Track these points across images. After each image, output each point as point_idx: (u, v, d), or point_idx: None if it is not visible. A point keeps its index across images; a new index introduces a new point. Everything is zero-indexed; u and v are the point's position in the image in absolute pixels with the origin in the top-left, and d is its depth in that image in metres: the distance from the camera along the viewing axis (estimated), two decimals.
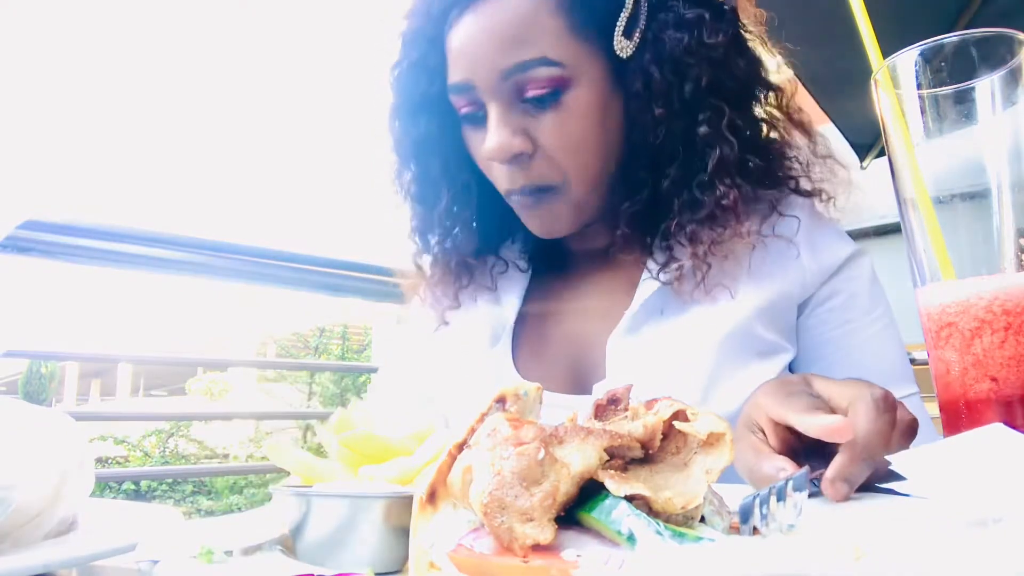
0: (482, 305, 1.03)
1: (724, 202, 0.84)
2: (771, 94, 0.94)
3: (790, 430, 0.61)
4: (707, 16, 0.84)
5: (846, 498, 0.55)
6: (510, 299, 1.01)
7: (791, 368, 0.90)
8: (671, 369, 0.86)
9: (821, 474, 0.56)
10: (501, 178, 0.88)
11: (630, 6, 0.84)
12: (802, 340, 0.91)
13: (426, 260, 1.05)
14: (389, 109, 0.98)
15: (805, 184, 0.95)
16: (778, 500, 0.45)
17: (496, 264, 1.04)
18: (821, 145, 0.96)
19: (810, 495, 0.50)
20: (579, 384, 0.93)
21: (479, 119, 0.87)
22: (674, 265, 0.87)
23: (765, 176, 0.91)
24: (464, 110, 0.88)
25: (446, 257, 1.02)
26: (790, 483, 0.46)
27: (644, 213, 0.90)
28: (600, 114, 0.85)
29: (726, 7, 0.87)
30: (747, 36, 0.92)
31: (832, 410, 0.59)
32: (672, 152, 0.86)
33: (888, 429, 0.55)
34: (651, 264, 0.90)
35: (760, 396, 0.66)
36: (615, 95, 0.86)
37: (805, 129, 0.95)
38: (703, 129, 0.85)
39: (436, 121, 0.93)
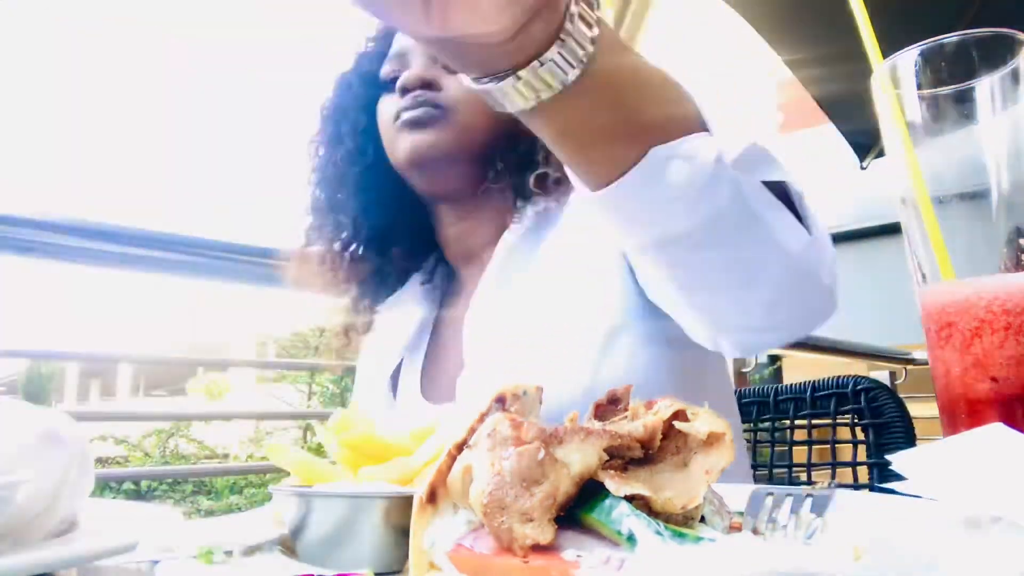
0: (387, 323, 1.09)
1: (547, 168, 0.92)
2: None
3: None
4: None
5: None
6: (404, 321, 1.07)
7: None
8: (516, 338, 0.89)
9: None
10: (398, 104, 0.96)
11: None
12: None
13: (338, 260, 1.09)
14: (324, 100, 1.09)
15: None
16: (791, 512, 0.45)
17: (397, 295, 1.10)
18: None
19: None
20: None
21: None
22: (529, 212, 0.94)
23: None
24: (393, 74, 0.99)
25: (359, 259, 1.08)
26: (809, 500, 0.46)
27: (514, 171, 0.96)
28: None
29: None
30: None
31: None
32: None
33: None
34: (513, 223, 0.96)
35: None
36: None
37: None
38: None
39: (361, 95, 1.05)
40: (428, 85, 0.95)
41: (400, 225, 1.07)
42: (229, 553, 0.44)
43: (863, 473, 1.96)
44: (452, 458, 0.41)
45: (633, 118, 0.54)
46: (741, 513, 0.49)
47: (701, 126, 0.58)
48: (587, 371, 0.84)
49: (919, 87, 0.52)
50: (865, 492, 0.57)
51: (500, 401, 0.44)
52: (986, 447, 0.42)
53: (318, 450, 0.62)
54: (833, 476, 1.48)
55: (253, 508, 0.61)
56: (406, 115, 0.95)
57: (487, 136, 0.95)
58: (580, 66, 0.48)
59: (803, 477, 1.53)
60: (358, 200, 1.05)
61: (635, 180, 0.54)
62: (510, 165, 0.96)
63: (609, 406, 0.49)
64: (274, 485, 0.51)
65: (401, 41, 1.01)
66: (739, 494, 0.50)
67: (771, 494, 0.47)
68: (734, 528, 0.46)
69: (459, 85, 0.91)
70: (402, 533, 0.42)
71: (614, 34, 0.53)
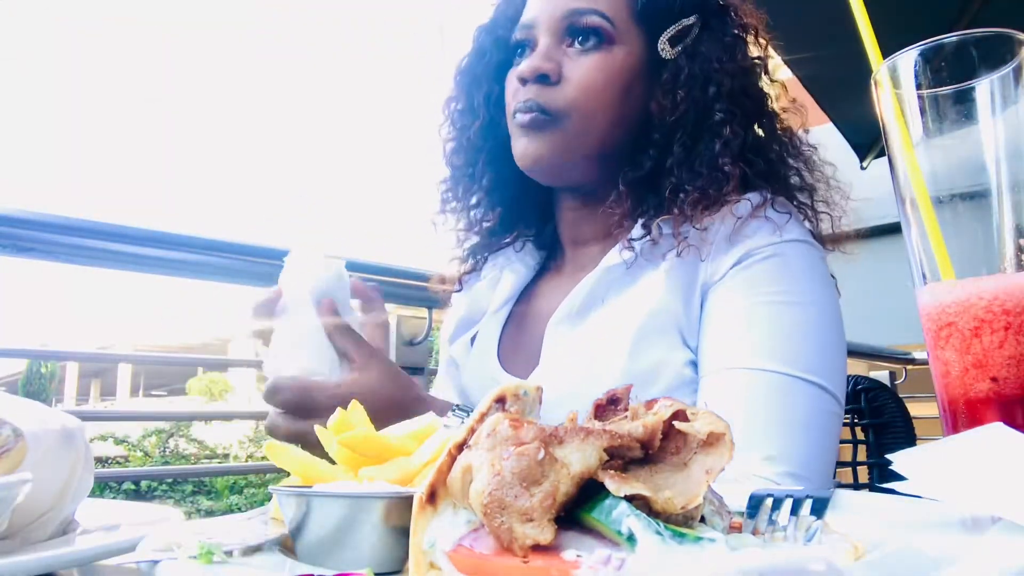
0: (480, 287, 1.11)
1: (721, 176, 0.91)
2: (774, 119, 1.02)
3: None
4: (742, 41, 0.99)
5: None
6: (508, 282, 1.08)
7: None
8: (594, 354, 0.90)
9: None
10: (517, 95, 0.95)
11: (686, 22, 0.96)
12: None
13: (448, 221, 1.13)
14: (458, 66, 1.10)
15: (797, 193, 1.01)
16: (791, 514, 0.45)
17: (508, 248, 1.12)
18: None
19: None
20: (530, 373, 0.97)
21: (523, 53, 0.99)
22: (644, 239, 0.93)
23: (761, 176, 0.97)
24: (518, 38, 0.99)
25: (470, 220, 1.12)
26: (809, 501, 0.46)
27: (641, 185, 0.96)
28: (627, 81, 0.95)
29: (758, 38, 1.01)
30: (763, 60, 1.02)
31: None
32: (685, 133, 0.94)
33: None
34: (630, 236, 0.95)
35: None
36: (643, 79, 0.96)
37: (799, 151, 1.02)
38: (718, 116, 0.94)
39: (493, 63, 1.05)
40: (545, 78, 0.93)
41: (526, 197, 1.09)
42: (229, 553, 0.44)
43: (863, 473, 1.96)
44: (452, 458, 0.41)
45: None
46: (741, 513, 0.49)
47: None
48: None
49: (919, 87, 0.52)
50: (865, 492, 0.57)
51: (500, 401, 0.44)
52: (986, 447, 0.42)
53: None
54: (833, 476, 1.48)
55: (253, 508, 0.61)
56: (518, 117, 0.94)
57: (604, 138, 0.95)
58: None
59: None
60: (491, 174, 1.08)
61: None
62: (637, 175, 0.96)
63: (609, 406, 0.49)
64: (274, 485, 0.51)
65: (532, 9, 0.99)
66: (739, 494, 0.50)
67: (771, 495, 0.47)
68: (734, 528, 0.46)
69: (581, 76, 0.93)
70: (402, 533, 0.42)
71: None
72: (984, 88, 0.50)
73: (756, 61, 1.00)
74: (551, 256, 1.12)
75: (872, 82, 0.54)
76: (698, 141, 0.94)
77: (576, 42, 0.95)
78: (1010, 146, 0.50)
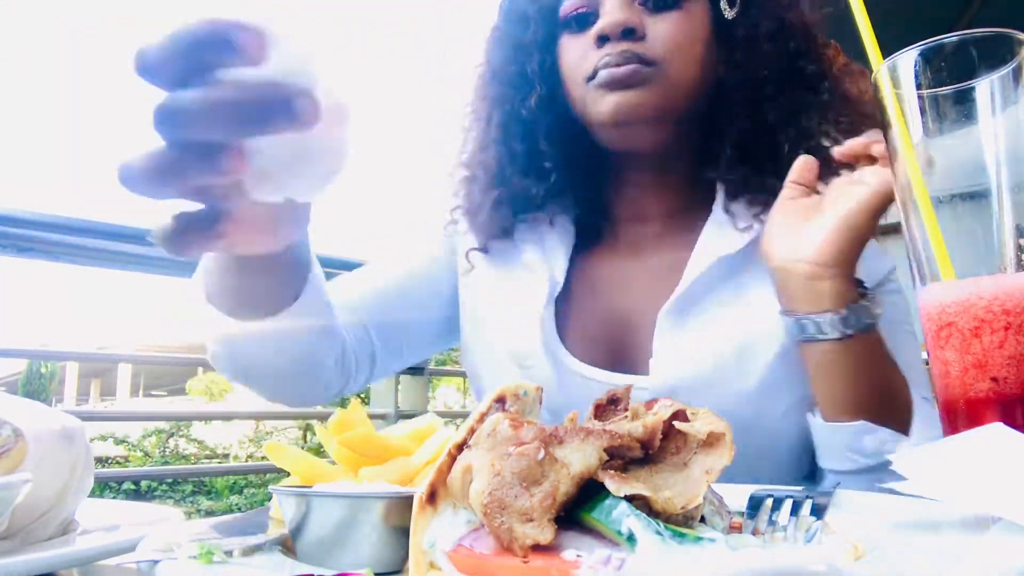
0: (528, 254, 0.98)
1: (836, 130, 0.86)
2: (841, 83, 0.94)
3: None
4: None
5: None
6: (557, 258, 0.97)
7: None
8: (725, 355, 0.85)
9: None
10: (595, 57, 0.88)
11: None
12: None
13: (473, 182, 1.01)
14: (494, 26, 1.01)
15: None
16: (791, 514, 0.45)
17: (543, 216, 1.00)
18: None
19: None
20: (623, 362, 0.91)
21: (586, 21, 0.90)
22: (734, 231, 0.89)
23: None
24: (579, 10, 0.91)
25: (500, 180, 0.98)
26: (809, 502, 0.46)
27: (742, 147, 0.91)
28: (706, 37, 0.90)
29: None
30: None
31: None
32: (778, 85, 0.89)
33: None
34: (725, 206, 0.91)
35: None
36: (715, 41, 0.91)
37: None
38: (811, 68, 0.90)
39: (540, 33, 0.95)
40: (631, 32, 0.86)
41: (578, 170, 0.99)
42: (229, 553, 0.44)
43: None
44: (452, 458, 0.41)
45: (866, 392, 0.74)
46: (741, 513, 0.49)
47: (906, 428, 0.75)
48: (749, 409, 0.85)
49: (919, 87, 0.52)
50: (865, 492, 0.57)
51: (500, 401, 0.44)
52: (986, 447, 0.42)
53: (318, 450, 0.62)
54: None
55: (253, 508, 0.61)
56: (609, 72, 0.86)
57: (690, 97, 0.90)
58: (850, 330, 0.71)
59: None
60: (549, 147, 0.97)
61: (841, 430, 0.75)
62: (737, 141, 0.90)
63: (609, 406, 0.49)
64: (274, 485, 0.51)
65: None
66: (739, 494, 0.50)
67: (771, 495, 0.47)
68: (734, 528, 0.46)
69: (667, 32, 0.87)
70: (402, 533, 0.42)
71: (879, 335, 0.75)
72: (984, 88, 0.50)
73: (813, 24, 0.94)
74: (589, 233, 1.02)
75: (872, 82, 0.54)
76: (793, 100, 0.89)
77: (649, 5, 0.88)
78: (1010, 146, 0.50)
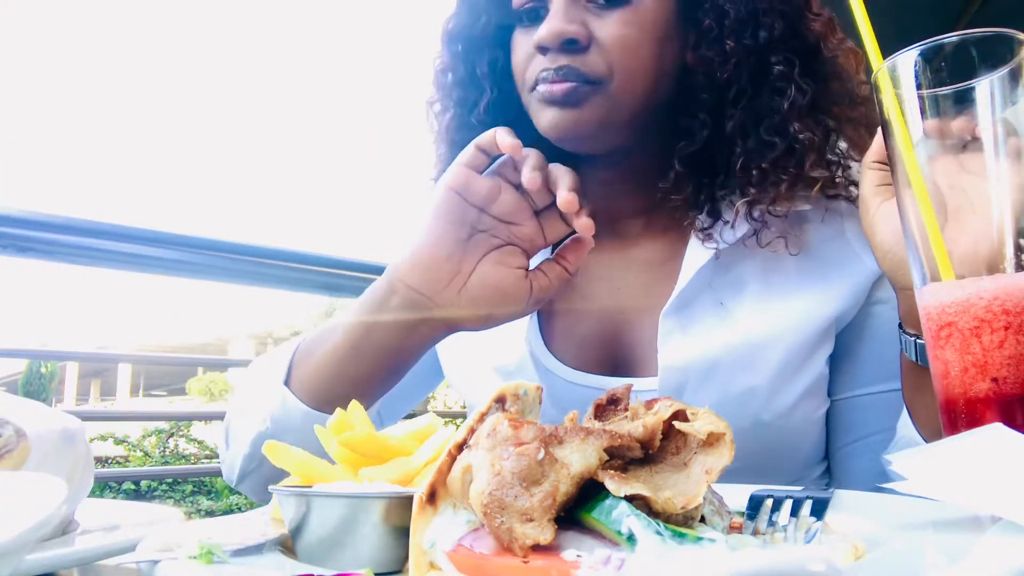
0: None
1: (797, 144, 0.80)
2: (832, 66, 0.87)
3: None
4: None
5: None
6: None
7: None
8: (734, 353, 0.83)
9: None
10: (536, 65, 0.82)
11: None
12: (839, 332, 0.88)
13: None
14: (447, 28, 0.94)
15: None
16: (791, 515, 0.45)
17: None
18: None
19: None
20: (617, 365, 0.89)
21: (537, 15, 0.84)
22: (722, 227, 0.85)
23: (828, 144, 0.85)
24: (528, 4, 0.84)
25: None
26: (809, 503, 0.46)
27: (699, 159, 0.85)
28: (662, 32, 0.82)
29: None
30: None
31: None
32: (740, 91, 0.83)
33: None
34: (699, 223, 0.86)
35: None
36: (679, 27, 0.84)
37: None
38: (778, 68, 0.82)
39: (492, 25, 0.91)
40: (573, 43, 0.79)
41: None
42: (229, 553, 0.44)
43: None
44: (452, 458, 0.41)
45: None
46: (741, 513, 0.49)
47: None
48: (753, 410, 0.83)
49: (919, 87, 0.52)
50: (865, 492, 0.57)
51: (500, 401, 0.44)
52: (986, 447, 0.42)
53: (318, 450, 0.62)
54: None
55: (253, 508, 0.61)
56: (546, 88, 0.80)
57: (647, 98, 0.83)
58: None
59: None
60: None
61: None
62: (692, 149, 0.84)
63: (609, 406, 0.49)
64: (274, 485, 0.51)
65: None
66: (739, 494, 0.50)
67: (771, 496, 0.47)
68: (734, 528, 0.46)
69: (614, 36, 0.80)
70: (402, 533, 0.42)
71: None
72: (984, 88, 0.50)
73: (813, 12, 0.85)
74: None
75: (872, 82, 0.54)
76: (758, 101, 0.82)
77: (597, 2, 0.81)
78: (1010, 146, 0.50)
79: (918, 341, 0.67)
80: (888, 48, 0.54)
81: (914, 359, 0.68)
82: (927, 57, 0.52)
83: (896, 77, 0.53)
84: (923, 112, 0.52)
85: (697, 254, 0.86)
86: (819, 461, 0.92)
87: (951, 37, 0.51)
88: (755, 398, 0.83)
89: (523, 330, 0.90)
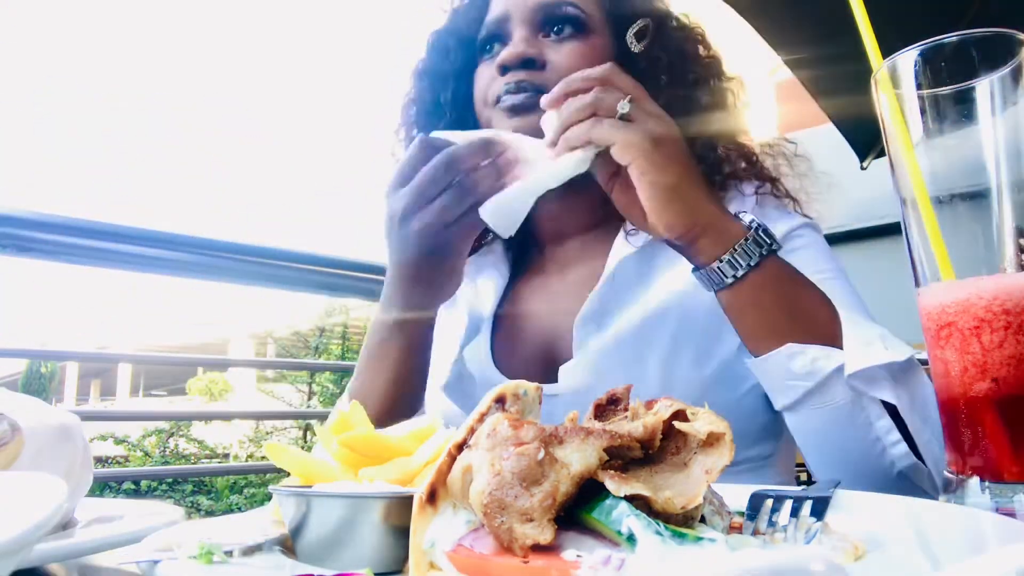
0: (464, 288, 1.04)
1: (712, 154, 0.96)
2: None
3: None
4: (698, 40, 1.05)
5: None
6: (488, 291, 1.06)
7: None
8: (632, 339, 0.91)
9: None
10: (498, 84, 0.95)
11: (641, 24, 1.00)
12: None
13: None
14: (416, 68, 1.10)
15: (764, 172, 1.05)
16: (791, 515, 0.45)
17: (474, 255, 1.09)
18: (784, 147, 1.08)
19: None
20: (550, 376, 0.95)
21: (501, 45, 0.98)
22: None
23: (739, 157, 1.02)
24: (491, 39, 0.99)
25: None
26: (808, 503, 0.46)
27: None
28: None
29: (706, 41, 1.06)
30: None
31: None
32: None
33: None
34: (627, 226, 0.96)
35: None
36: (621, 63, 0.96)
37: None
38: (705, 99, 0.98)
39: (459, 62, 1.04)
40: (530, 63, 0.93)
41: None
42: (229, 553, 0.44)
43: None
44: (452, 458, 0.41)
45: (782, 317, 0.75)
46: (741, 513, 0.49)
47: (836, 341, 0.74)
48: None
49: (919, 87, 0.52)
50: (865, 492, 0.57)
51: (500, 401, 0.44)
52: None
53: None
54: None
55: (253, 508, 0.61)
56: (507, 99, 0.93)
57: None
58: (742, 270, 0.73)
59: (804, 476, 1.52)
60: None
61: (771, 360, 0.75)
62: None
63: (609, 406, 0.49)
64: (274, 485, 0.51)
65: (501, 4, 0.99)
66: (739, 494, 0.50)
67: (771, 495, 0.47)
68: (734, 528, 0.46)
69: (565, 59, 0.93)
70: (402, 533, 0.42)
71: (783, 262, 0.76)
72: (984, 88, 0.50)
73: (713, 59, 1.05)
74: (523, 258, 1.11)
75: (872, 82, 0.54)
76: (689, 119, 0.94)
77: (552, 32, 0.96)
78: (1010, 146, 0.50)
79: (701, 275, 0.75)
80: (888, 48, 0.54)
81: (710, 289, 0.76)
82: (927, 57, 0.52)
83: (896, 77, 0.53)
84: (923, 112, 0.52)
85: (620, 251, 0.96)
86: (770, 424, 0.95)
87: (951, 37, 0.51)
88: (657, 370, 0.90)
89: (457, 356, 1.01)
